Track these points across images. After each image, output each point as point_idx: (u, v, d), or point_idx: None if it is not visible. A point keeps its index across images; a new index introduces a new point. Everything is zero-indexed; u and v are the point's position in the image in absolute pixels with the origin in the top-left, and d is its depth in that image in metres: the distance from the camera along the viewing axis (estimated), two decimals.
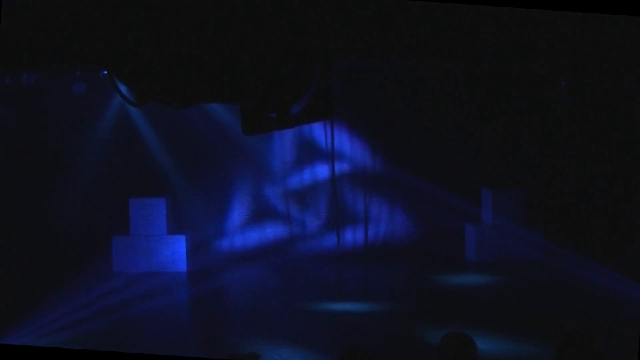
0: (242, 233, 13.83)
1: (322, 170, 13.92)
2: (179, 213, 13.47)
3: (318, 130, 13.63)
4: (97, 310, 10.26)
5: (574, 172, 13.80)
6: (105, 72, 9.50)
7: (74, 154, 13.20)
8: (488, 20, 5.81)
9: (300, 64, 5.39)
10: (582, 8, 5.11)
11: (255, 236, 13.86)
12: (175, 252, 12.79)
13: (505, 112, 13.78)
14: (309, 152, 13.80)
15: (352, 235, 13.92)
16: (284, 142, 13.71)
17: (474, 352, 4.30)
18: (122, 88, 5.57)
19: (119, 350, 8.27)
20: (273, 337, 9.09)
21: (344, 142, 13.87)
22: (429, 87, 13.52)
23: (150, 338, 9.27)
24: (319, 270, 12.64)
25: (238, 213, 13.88)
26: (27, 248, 12.51)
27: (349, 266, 12.94)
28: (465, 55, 6.22)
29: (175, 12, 4.86)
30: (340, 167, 13.86)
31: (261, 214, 13.88)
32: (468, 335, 4.41)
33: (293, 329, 9.49)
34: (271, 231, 13.91)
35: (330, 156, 13.72)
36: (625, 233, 13.20)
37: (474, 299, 11.08)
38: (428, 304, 10.69)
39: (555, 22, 5.74)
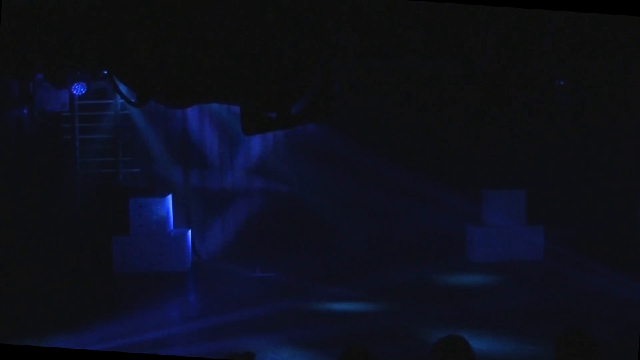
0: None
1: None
2: (180, 212, 13.46)
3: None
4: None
5: (574, 172, 13.79)
6: (105, 72, 9.50)
7: (74, 154, 13.18)
8: (488, 20, 5.81)
9: (300, 64, 5.40)
10: (582, 8, 5.11)
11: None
12: (177, 251, 12.78)
13: (506, 111, 13.76)
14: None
15: (351, 235, 13.91)
16: None
17: (471, 354, 4.16)
18: (122, 88, 5.59)
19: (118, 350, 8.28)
20: (273, 337, 9.08)
21: (343, 141, 13.85)
22: (428, 87, 13.50)
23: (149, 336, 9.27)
24: (319, 269, 12.63)
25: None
26: (26, 248, 12.50)
27: (349, 266, 12.93)
28: (465, 55, 6.23)
29: (175, 13, 4.86)
30: (340, 166, 13.84)
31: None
32: (462, 337, 4.26)
33: (293, 329, 9.48)
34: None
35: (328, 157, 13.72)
36: (625, 233, 13.19)
37: (474, 299, 11.07)
38: (428, 304, 10.68)
39: (555, 23, 5.75)
